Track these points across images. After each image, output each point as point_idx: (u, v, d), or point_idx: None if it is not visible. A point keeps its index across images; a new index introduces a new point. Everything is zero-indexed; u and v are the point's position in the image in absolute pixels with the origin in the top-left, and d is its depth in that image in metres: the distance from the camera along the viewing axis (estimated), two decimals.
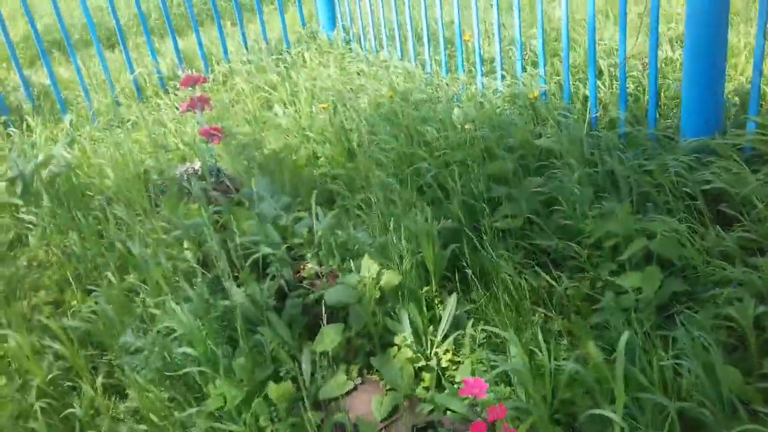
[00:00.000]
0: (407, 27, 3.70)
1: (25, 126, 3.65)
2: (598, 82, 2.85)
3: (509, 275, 1.95)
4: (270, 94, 3.74)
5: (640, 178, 2.15)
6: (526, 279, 1.96)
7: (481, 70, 3.24)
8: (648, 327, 1.65)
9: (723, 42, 2.18)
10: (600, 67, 2.94)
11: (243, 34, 4.36)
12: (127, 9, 6.25)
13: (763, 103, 2.50)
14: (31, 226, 2.61)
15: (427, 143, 2.70)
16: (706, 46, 2.17)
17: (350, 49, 4.18)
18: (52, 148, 2.80)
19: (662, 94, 2.80)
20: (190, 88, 2.67)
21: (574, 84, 2.92)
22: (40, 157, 2.69)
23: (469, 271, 2.03)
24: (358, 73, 3.72)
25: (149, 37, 4.20)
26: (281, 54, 4.31)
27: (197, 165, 2.87)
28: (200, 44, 4.23)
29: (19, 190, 2.64)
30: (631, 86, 2.86)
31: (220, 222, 2.33)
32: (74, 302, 2.24)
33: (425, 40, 3.59)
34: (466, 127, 2.65)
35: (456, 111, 2.83)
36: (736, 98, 2.55)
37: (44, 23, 6.00)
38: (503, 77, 3.13)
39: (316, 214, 2.14)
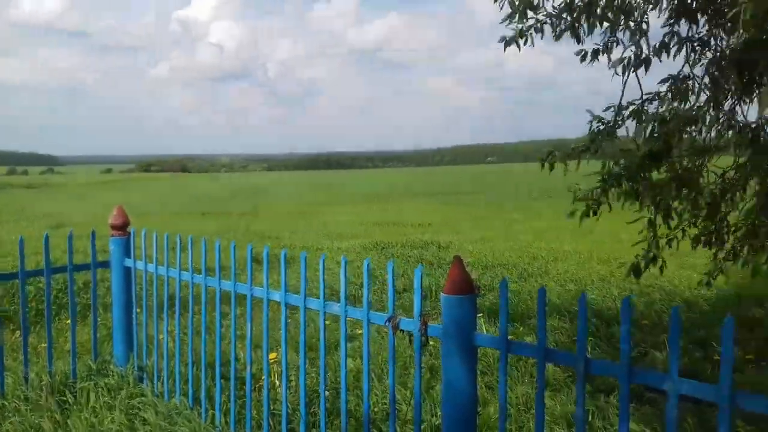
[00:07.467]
0: (201, 364, 3.74)
1: None
2: None
3: None
4: None
5: None
6: None
7: None
8: None
9: None
10: None
11: (26, 367, 4.18)
12: None
13: None
14: None
15: None
16: None
17: (141, 390, 4.11)
18: None
19: None
20: None
21: None
22: None
23: None
24: (144, 422, 3.67)
25: None
26: (65, 384, 4.15)
27: None
28: None
29: None
30: None
31: None
32: None
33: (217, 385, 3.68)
34: None
35: None
36: None
37: None
38: None
39: None
